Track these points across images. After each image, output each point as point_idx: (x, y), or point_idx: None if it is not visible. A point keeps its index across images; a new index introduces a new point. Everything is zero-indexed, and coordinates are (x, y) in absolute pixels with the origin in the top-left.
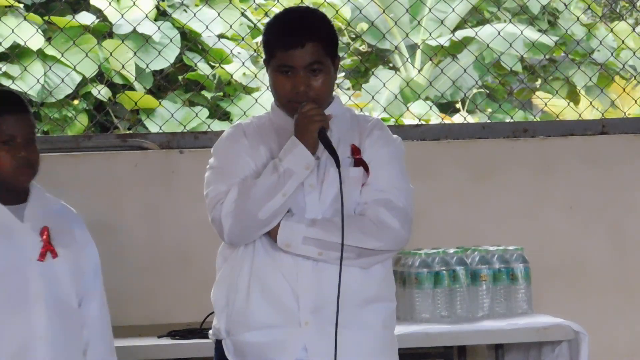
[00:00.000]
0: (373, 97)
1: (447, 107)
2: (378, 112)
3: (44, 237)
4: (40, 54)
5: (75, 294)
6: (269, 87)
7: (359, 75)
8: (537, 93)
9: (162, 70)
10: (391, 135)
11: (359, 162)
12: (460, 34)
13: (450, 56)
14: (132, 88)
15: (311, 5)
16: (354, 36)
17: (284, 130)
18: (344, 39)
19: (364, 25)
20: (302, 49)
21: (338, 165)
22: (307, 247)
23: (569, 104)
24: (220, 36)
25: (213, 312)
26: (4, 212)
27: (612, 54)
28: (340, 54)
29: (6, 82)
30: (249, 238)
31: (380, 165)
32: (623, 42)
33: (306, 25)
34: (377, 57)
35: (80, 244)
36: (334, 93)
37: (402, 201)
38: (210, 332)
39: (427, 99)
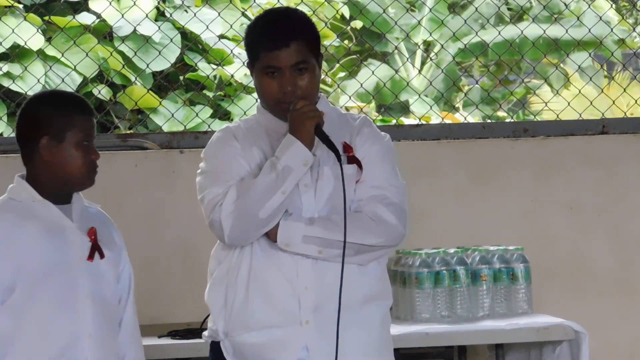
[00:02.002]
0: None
1: (446, 108)
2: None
3: (92, 237)
4: (41, 54)
5: (117, 295)
6: (255, 90)
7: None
8: (537, 92)
9: (162, 70)
10: (379, 132)
11: (352, 160)
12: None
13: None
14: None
15: (309, 6)
16: (350, 34)
17: (275, 132)
18: (340, 39)
19: (358, 23)
20: (287, 48)
21: (339, 159)
22: (307, 245)
23: (569, 103)
24: (221, 36)
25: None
26: (55, 211)
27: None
28: (338, 56)
29: (6, 83)
30: (249, 238)
31: (373, 162)
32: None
33: (289, 25)
34: (376, 56)
35: (119, 247)
36: (319, 93)
37: (397, 197)
38: (205, 333)
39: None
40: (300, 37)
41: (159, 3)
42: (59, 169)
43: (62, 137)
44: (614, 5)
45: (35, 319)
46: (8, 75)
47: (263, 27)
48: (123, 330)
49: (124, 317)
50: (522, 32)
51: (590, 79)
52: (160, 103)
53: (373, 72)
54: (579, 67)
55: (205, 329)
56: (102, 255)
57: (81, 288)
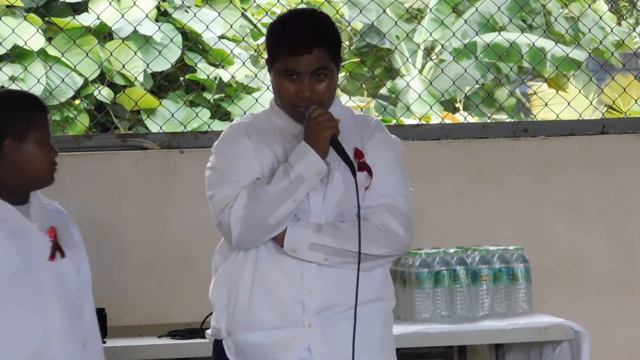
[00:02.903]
0: (385, 108)
1: (448, 106)
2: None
3: (52, 236)
4: (42, 54)
5: (81, 293)
6: (271, 88)
7: (367, 80)
8: (536, 91)
9: (162, 71)
10: (391, 137)
11: (363, 166)
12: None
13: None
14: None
15: (311, 6)
16: (353, 36)
17: (288, 134)
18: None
19: (358, 24)
20: (309, 55)
21: (354, 174)
22: (313, 253)
23: (569, 103)
24: (221, 37)
25: (212, 312)
26: (14, 212)
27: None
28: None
29: (6, 84)
30: (257, 242)
31: (383, 169)
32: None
33: (313, 32)
34: (378, 58)
35: (78, 245)
36: None
37: (405, 206)
38: (208, 331)
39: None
40: (323, 44)
41: (159, 3)
42: (23, 168)
43: (25, 137)
44: (612, 5)
45: (5, 324)
46: (12, 79)
47: (286, 30)
48: (84, 328)
49: (83, 313)
50: (522, 32)
51: (591, 78)
52: (160, 103)
53: (387, 86)
54: (579, 67)
55: (206, 329)
56: (62, 255)
57: (47, 289)
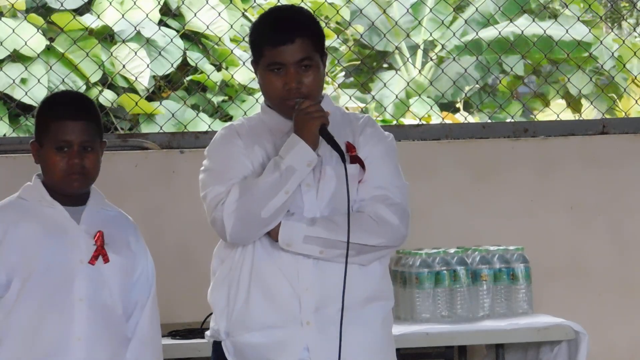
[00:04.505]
0: (385, 108)
1: (448, 107)
2: (381, 114)
3: (98, 241)
4: (46, 54)
5: (121, 301)
6: (260, 88)
7: (358, 74)
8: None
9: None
10: (383, 132)
11: (355, 159)
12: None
13: (451, 57)
14: (135, 90)
15: (310, 5)
16: (353, 36)
17: (278, 131)
18: (342, 40)
19: (359, 27)
20: (291, 44)
21: (343, 160)
22: (309, 246)
23: (569, 104)
24: (227, 39)
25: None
26: (61, 212)
27: (621, 62)
28: (339, 57)
29: (10, 88)
30: (251, 238)
31: (375, 162)
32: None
33: (294, 22)
34: (378, 57)
35: (134, 253)
36: (323, 92)
37: (399, 197)
38: (208, 333)
39: (428, 97)
40: (305, 34)
41: (159, 3)
42: (45, 173)
43: (42, 142)
44: (612, 5)
45: (23, 319)
46: (22, 81)
47: (268, 24)
48: (138, 338)
49: (140, 324)
50: (522, 32)
51: (591, 79)
52: (160, 104)
53: (385, 84)
54: (591, 78)
55: (206, 329)
56: (105, 260)
57: (76, 290)
